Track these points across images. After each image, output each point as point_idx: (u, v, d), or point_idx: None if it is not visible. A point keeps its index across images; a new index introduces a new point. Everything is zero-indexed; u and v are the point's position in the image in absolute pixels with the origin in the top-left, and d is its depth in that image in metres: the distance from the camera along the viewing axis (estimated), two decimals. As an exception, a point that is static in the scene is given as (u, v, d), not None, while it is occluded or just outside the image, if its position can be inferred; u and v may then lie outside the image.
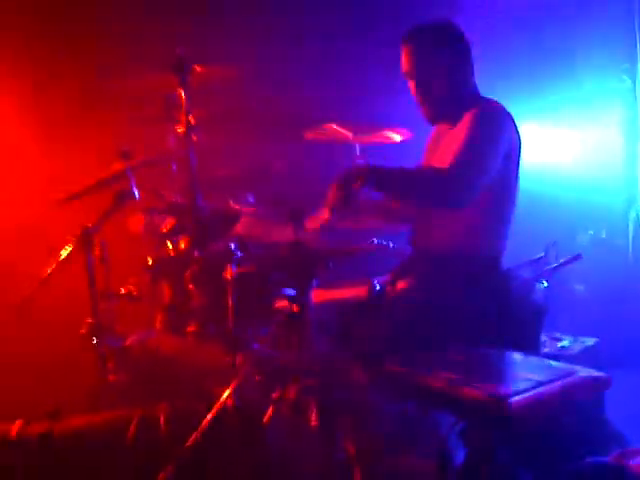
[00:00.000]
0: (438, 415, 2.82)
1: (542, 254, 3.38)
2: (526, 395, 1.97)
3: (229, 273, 2.51)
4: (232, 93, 3.53)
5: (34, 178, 3.83)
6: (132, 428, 2.37)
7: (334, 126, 3.61)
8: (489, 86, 2.96)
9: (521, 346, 2.46)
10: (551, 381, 2.06)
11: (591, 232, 4.26)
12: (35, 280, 2.80)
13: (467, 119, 2.76)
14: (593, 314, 4.06)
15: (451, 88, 2.86)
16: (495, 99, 2.86)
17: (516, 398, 1.95)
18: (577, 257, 3.20)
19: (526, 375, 2.12)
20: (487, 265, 2.84)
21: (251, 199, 3.21)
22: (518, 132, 2.81)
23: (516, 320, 2.93)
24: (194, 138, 2.69)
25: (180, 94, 2.68)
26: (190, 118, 2.69)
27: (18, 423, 2.41)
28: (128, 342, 2.88)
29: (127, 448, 2.33)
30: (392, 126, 3.60)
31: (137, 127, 3.12)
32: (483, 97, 2.91)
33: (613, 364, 3.52)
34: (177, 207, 2.74)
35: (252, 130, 3.87)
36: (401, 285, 2.88)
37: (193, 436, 2.24)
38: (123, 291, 2.91)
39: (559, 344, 3.62)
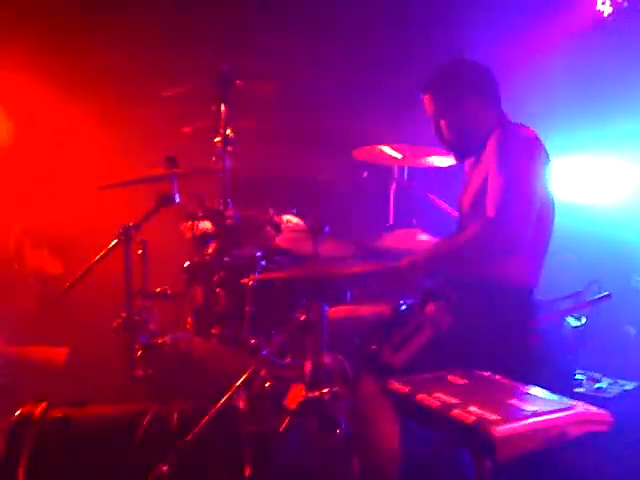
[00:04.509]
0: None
1: (581, 290, 3.32)
2: (515, 424, 1.97)
3: (249, 280, 2.59)
4: (276, 108, 3.63)
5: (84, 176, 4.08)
6: (145, 422, 2.44)
7: (384, 148, 3.67)
8: (545, 115, 2.93)
9: (544, 380, 2.43)
10: (545, 413, 2.04)
11: (644, 275, 4.15)
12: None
13: (492, 153, 2.75)
14: (640, 358, 3.95)
15: (471, 127, 2.91)
16: (525, 125, 2.83)
17: (504, 426, 1.94)
18: (607, 297, 3.12)
19: (522, 405, 2.10)
20: (517, 296, 2.82)
21: (294, 211, 3.30)
22: (548, 159, 2.79)
23: (540, 353, 2.90)
24: (230, 149, 2.80)
25: (220, 107, 2.80)
26: (228, 130, 2.80)
27: (43, 405, 2.53)
28: (160, 340, 2.98)
29: (136, 440, 2.41)
30: (440, 151, 3.62)
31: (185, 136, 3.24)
32: (511, 123, 2.90)
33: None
34: (212, 213, 2.84)
35: (298, 145, 3.97)
36: (429, 308, 2.89)
37: (191, 434, 2.30)
38: (159, 290, 3.01)
39: (596, 385, 3.53)
